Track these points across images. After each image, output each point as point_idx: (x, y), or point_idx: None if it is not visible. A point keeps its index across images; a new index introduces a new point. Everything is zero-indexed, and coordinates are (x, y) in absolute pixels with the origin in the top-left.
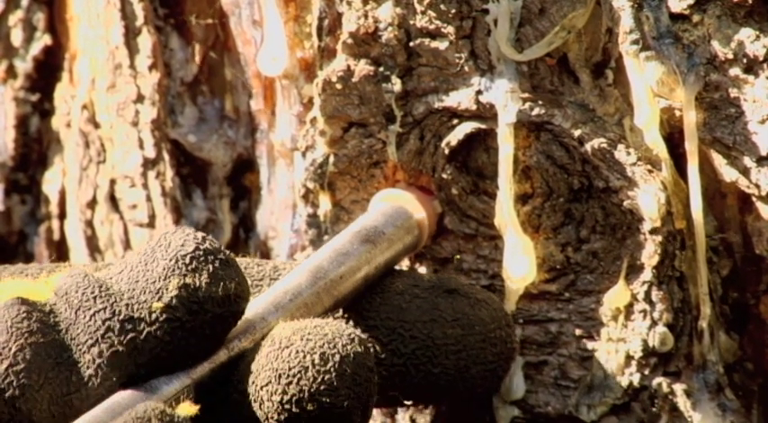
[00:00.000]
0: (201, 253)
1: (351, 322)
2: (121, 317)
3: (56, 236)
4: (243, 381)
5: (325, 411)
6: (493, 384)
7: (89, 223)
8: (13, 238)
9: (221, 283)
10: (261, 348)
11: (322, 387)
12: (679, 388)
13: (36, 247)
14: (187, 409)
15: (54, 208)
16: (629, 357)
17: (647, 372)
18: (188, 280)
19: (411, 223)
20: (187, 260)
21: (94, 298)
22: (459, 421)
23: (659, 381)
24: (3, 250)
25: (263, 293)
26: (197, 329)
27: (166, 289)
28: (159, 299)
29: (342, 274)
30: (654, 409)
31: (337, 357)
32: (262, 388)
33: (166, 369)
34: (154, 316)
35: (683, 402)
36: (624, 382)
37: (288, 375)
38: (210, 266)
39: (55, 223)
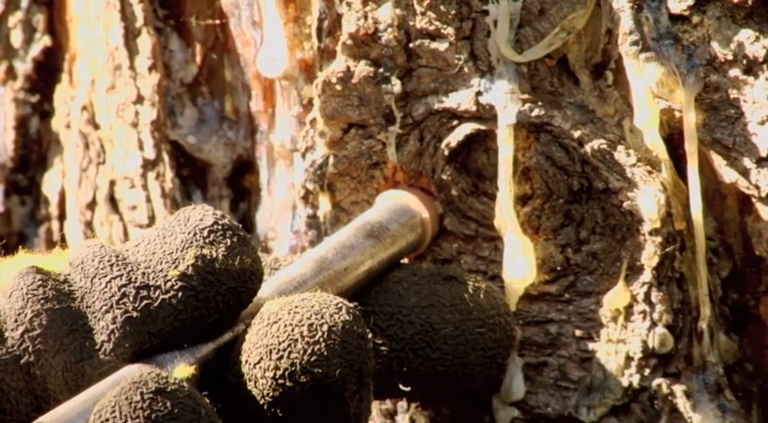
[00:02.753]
0: (220, 227)
1: None
2: (137, 284)
3: (56, 237)
4: (237, 362)
5: (318, 382)
6: (492, 372)
7: (89, 224)
8: (12, 240)
9: (238, 258)
10: (251, 327)
11: (312, 358)
12: (679, 389)
13: (36, 249)
14: (182, 371)
15: (54, 209)
16: (628, 358)
17: (646, 373)
18: (205, 251)
19: (415, 222)
20: (205, 233)
21: (111, 266)
22: (459, 422)
23: (659, 382)
24: (2, 251)
25: (268, 281)
26: (210, 301)
27: (183, 259)
28: (175, 268)
29: (346, 267)
30: (653, 411)
31: (325, 327)
32: (255, 366)
33: (178, 342)
34: (169, 284)
35: (682, 403)
36: (624, 383)
37: (278, 350)
38: (228, 240)
39: (55, 224)
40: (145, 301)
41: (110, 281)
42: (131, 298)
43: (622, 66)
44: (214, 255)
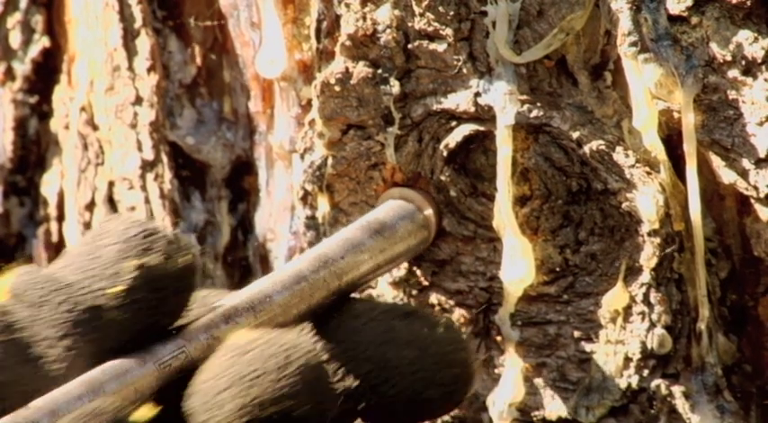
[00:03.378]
0: (148, 232)
1: None
2: (83, 306)
3: (54, 238)
4: (199, 390)
5: (285, 416)
6: (452, 407)
7: (87, 225)
8: (11, 241)
9: (174, 259)
10: (215, 356)
11: (279, 393)
12: (677, 390)
13: (34, 250)
14: (145, 412)
15: (52, 210)
16: (627, 359)
17: (645, 374)
18: (143, 260)
19: (419, 219)
20: (137, 241)
21: (52, 291)
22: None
23: (658, 383)
24: (1, 253)
25: (267, 275)
26: (158, 308)
27: (122, 272)
28: (117, 283)
29: (348, 263)
30: (652, 411)
31: (302, 361)
32: (222, 392)
33: (133, 350)
34: (115, 301)
35: (681, 404)
36: (623, 384)
37: (246, 380)
38: (160, 244)
39: (53, 225)
40: (94, 322)
41: (55, 307)
42: (80, 321)
43: (621, 67)
44: (152, 262)
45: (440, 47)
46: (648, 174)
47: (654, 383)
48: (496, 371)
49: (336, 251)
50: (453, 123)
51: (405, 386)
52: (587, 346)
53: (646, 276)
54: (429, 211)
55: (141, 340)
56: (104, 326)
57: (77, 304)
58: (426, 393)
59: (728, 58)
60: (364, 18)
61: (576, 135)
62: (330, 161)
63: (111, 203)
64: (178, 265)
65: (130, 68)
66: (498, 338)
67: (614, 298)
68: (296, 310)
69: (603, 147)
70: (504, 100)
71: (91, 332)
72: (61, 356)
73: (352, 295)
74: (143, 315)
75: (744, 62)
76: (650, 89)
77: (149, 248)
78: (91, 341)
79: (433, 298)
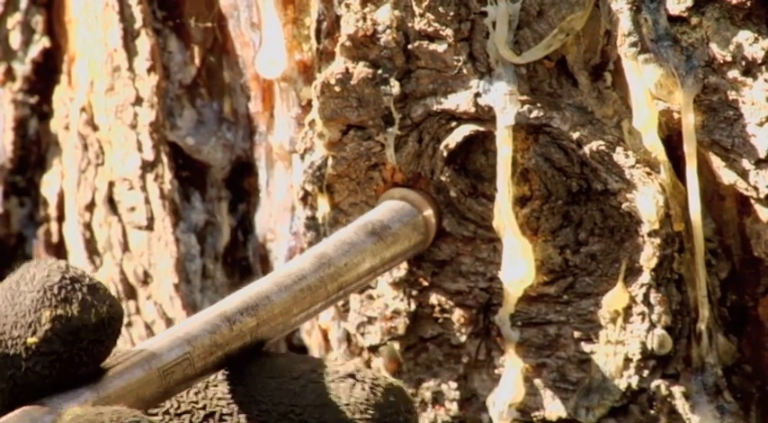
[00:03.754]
0: (68, 281)
1: (242, 406)
2: None
3: (54, 238)
4: None
5: None
6: None
7: (87, 226)
8: (11, 241)
9: (93, 310)
10: None
11: None
12: (677, 390)
13: (34, 250)
14: None
15: (52, 210)
16: (627, 360)
17: (645, 374)
18: (60, 311)
19: (418, 220)
20: (55, 290)
21: None
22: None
23: (658, 383)
24: (1, 253)
25: (267, 275)
26: (74, 358)
27: (39, 322)
28: (33, 333)
29: (346, 263)
30: (652, 412)
31: None
32: None
33: (44, 397)
34: (30, 351)
35: (681, 405)
36: (623, 384)
37: None
38: (79, 294)
39: (53, 226)
40: (9, 372)
41: None
42: None
43: (621, 67)
44: (69, 313)
45: (440, 47)
46: (648, 174)
47: (654, 384)
48: (496, 371)
49: (335, 252)
50: (453, 124)
51: None
52: (587, 347)
53: (646, 277)
54: (429, 212)
55: (59, 389)
56: (19, 375)
57: None
58: None
59: (728, 58)
60: (364, 18)
61: (576, 135)
62: (330, 161)
63: (111, 204)
64: (93, 317)
65: (130, 69)
66: (498, 339)
67: (614, 298)
68: (295, 311)
69: (603, 147)
70: (504, 100)
71: (5, 381)
72: None
73: (307, 356)
74: (58, 367)
75: (744, 63)
76: (650, 90)
77: (67, 298)
78: (5, 390)
79: (433, 298)
